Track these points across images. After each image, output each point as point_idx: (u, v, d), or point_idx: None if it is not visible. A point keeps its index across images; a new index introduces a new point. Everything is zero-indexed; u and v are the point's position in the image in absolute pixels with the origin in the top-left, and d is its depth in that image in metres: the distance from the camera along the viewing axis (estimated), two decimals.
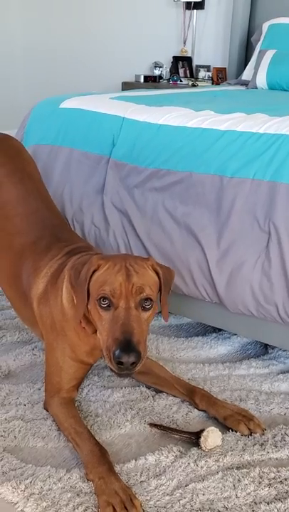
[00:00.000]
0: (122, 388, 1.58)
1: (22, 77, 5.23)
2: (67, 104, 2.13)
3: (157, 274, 1.30)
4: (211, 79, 4.45)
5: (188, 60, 4.66)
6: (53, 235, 1.58)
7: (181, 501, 1.18)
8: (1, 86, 5.07)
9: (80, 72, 5.15)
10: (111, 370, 1.21)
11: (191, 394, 1.48)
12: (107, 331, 1.21)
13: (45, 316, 1.47)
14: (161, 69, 4.75)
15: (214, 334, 1.92)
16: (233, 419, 1.39)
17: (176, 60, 4.68)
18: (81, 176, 1.96)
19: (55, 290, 1.43)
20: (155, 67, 4.78)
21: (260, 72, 3.23)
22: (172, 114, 1.84)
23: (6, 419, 1.44)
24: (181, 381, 1.54)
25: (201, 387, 1.53)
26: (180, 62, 4.69)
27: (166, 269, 1.35)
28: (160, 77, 4.74)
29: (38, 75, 5.22)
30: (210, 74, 4.50)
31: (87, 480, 1.22)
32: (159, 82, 4.66)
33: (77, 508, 1.15)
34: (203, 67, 4.60)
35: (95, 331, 1.33)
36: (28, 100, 2.36)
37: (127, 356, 1.14)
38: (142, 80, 4.63)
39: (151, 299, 1.24)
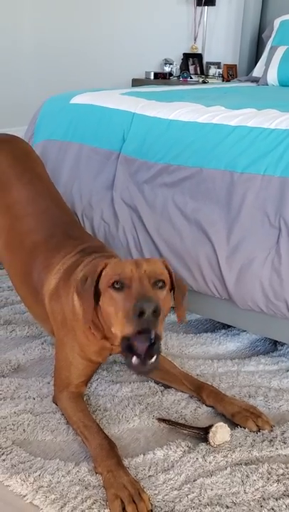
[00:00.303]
0: (130, 383, 1.58)
1: (32, 74, 5.25)
2: (77, 99, 2.14)
3: (168, 270, 1.31)
4: (222, 76, 4.43)
5: (198, 57, 4.64)
6: (64, 232, 1.59)
7: (189, 496, 1.18)
8: (12, 83, 5.09)
9: (90, 69, 5.16)
10: (128, 365, 1.19)
11: (199, 390, 1.48)
12: (122, 306, 1.17)
13: (56, 312, 1.48)
14: (171, 66, 4.74)
15: (223, 330, 1.91)
16: (241, 416, 1.39)
17: (187, 56, 4.67)
18: (91, 172, 1.97)
19: (67, 287, 1.44)
20: (165, 64, 4.78)
21: (271, 68, 3.21)
22: (183, 110, 1.84)
23: (15, 412, 1.44)
24: (189, 377, 1.54)
25: (210, 383, 1.53)
26: (190, 59, 4.68)
27: (178, 276, 1.35)
28: (170, 74, 4.73)
29: (48, 73, 5.23)
30: (220, 71, 4.49)
31: (96, 473, 1.23)
32: (169, 79, 4.65)
33: (86, 501, 1.15)
34: (213, 64, 4.59)
35: (104, 337, 1.34)
36: (38, 97, 2.37)
37: (147, 302, 1.10)
38: (152, 77, 4.62)
39: (164, 281, 1.23)
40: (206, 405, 1.47)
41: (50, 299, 1.49)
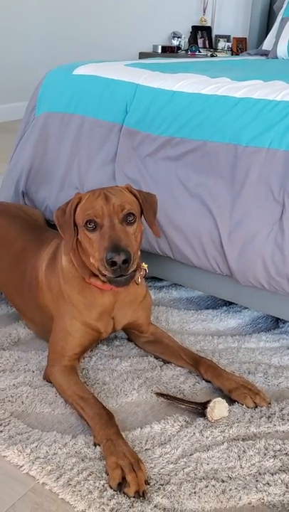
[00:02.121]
0: (130, 358, 1.57)
1: (39, 48, 5.16)
2: (80, 70, 2.09)
3: (135, 196, 1.38)
4: (231, 49, 4.34)
5: (207, 30, 4.54)
6: (41, 230, 1.76)
7: (185, 470, 1.18)
8: (18, 58, 5.01)
9: (96, 43, 5.06)
10: (109, 281, 1.30)
11: (197, 364, 1.47)
12: (97, 247, 1.28)
13: (52, 286, 1.50)
14: (179, 39, 4.64)
15: (224, 307, 1.90)
16: (238, 392, 1.38)
17: (196, 29, 4.56)
18: (93, 144, 1.93)
19: (55, 261, 1.51)
20: (173, 37, 4.67)
21: (281, 41, 3.12)
22: (187, 81, 1.79)
23: (14, 384, 1.45)
24: (188, 351, 1.53)
25: (209, 359, 1.52)
26: (199, 32, 4.57)
27: (146, 193, 1.44)
28: (178, 47, 4.63)
29: (55, 47, 5.15)
30: (230, 44, 4.38)
31: (94, 444, 1.23)
32: (177, 52, 4.56)
33: (82, 472, 1.16)
34: (222, 37, 4.48)
35: (93, 274, 1.38)
36: (44, 69, 2.32)
37: (117, 255, 1.22)
38: (159, 51, 4.53)
39: (133, 214, 1.32)
40: (205, 380, 1.46)
41: (45, 280, 1.53)
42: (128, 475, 1.11)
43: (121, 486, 1.11)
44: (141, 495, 1.09)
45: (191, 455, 1.22)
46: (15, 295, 1.70)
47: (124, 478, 1.11)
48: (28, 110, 2.21)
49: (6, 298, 1.83)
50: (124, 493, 1.10)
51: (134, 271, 1.31)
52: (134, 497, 1.09)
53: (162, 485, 1.14)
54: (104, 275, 1.29)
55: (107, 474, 1.14)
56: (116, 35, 4.97)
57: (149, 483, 1.13)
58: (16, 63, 4.99)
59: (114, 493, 1.11)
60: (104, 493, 1.11)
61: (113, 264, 1.22)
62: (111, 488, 1.12)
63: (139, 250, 1.38)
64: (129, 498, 1.09)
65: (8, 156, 2.30)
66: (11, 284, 1.70)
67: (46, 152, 2.09)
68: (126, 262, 1.23)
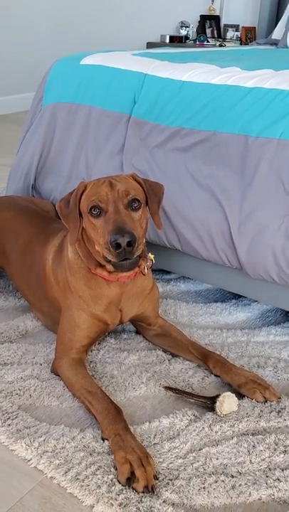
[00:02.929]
0: (138, 351, 1.56)
1: (46, 36, 5.11)
2: (88, 60, 2.06)
3: (140, 184, 1.38)
4: (240, 39, 4.28)
5: (216, 19, 4.48)
6: (47, 222, 1.74)
7: (194, 464, 1.17)
8: (26, 47, 4.97)
9: (103, 33, 5.02)
10: (113, 266, 1.30)
11: (206, 358, 1.46)
12: (102, 233, 1.27)
13: (59, 278, 1.50)
14: (187, 29, 4.59)
15: (234, 300, 1.88)
16: (248, 387, 1.36)
17: (204, 19, 4.50)
18: (100, 135, 1.91)
19: (61, 253, 1.50)
20: (181, 27, 4.62)
21: None
22: (196, 71, 1.76)
23: (22, 377, 1.44)
24: (196, 345, 1.51)
25: (218, 353, 1.51)
26: (207, 21, 4.52)
27: (152, 182, 1.44)
28: (186, 37, 4.58)
29: (63, 37, 5.10)
30: (238, 34, 4.33)
31: (102, 438, 1.22)
32: (185, 42, 4.51)
33: (90, 467, 1.15)
34: (231, 26, 4.43)
35: (99, 265, 1.38)
36: (50, 60, 2.29)
37: (121, 237, 1.21)
38: (167, 40, 4.49)
39: (138, 200, 1.31)
40: (214, 375, 1.45)
41: (52, 272, 1.52)
42: (137, 470, 1.10)
43: (130, 481, 1.10)
44: (150, 490, 1.09)
45: (200, 450, 1.21)
46: (24, 287, 1.70)
47: (132, 473, 1.11)
48: (35, 101, 2.18)
49: (16, 289, 1.82)
50: (133, 488, 1.09)
51: (140, 257, 1.31)
52: (142, 492, 1.08)
53: (171, 480, 1.13)
54: (109, 261, 1.29)
55: (116, 469, 1.13)
56: (123, 25, 4.92)
57: (157, 478, 1.13)
58: (23, 54, 4.95)
59: (123, 487, 1.10)
60: (113, 487, 1.10)
61: (118, 246, 1.22)
62: (119, 483, 1.11)
63: (145, 239, 1.36)
64: (138, 493, 1.08)
65: (16, 148, 2.29)
66: (20, 276, 1.69)
67: (53, 143, 2.07)
68: (130, 244, 1.22)
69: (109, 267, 1.34)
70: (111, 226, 1.24)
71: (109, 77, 1.92)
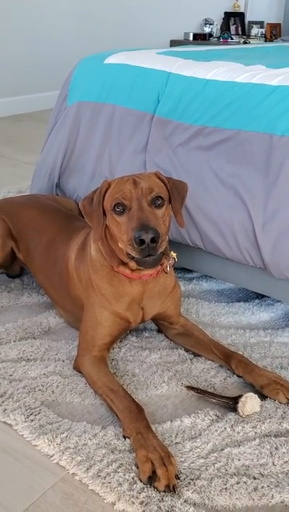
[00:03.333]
0: (159, 350, 1.56)
1: (69, 34, 5.15)
2: (112, 59, 2.06)
3: (163, 182, 1.38)
4: (264, 36, 4.24)
5: (240, 16, 4.44)
6: (70, 220, 1.75)
7: (215, 465, 1.16)
8: (49, 44, 5.01)
9: (127, 30, 5.02)
10: (137, 262, 1.30)
11: (228, 359, 1.45)
12: (125, 230, 1.28)
13: (82, 275, 1.51)
14: (211, 26, 4.56)
15: (257, 300, 1.86)
16: (271, 388, 1.35)
17: (228, 16, 4.47)
18: (124, 134, 1.91)
19: (84, 251, 1.51)
20: (205, 24, 4.60)
21: None
22: (221, 69, 1.75)
23: (44, 373, 1.45)
24: (219, 345, 1.51)
25: (240, 353, 1.50)
26: (232, 18, 4.49)
27: (175, 180, 1.44)
28: (210, 34, 4.55)
29: (85, 35, 5.12)
30: (263, 31, 4.29)
31: (124, 437, 1.22)
32: (208, 39, 4.48)
33: (111, 464, 1.15)
34: (256, 23, 4.38)
35: (122, 263, 1.38)
36: (75, 58, 2.31)
37: (145, 233, 1.21)
38: (190, 38, 4.47)
39: (161, 198, 1.32)
40: (236, 375, 1.44)
41: (75, 270, 1.54)
42: (158, 469, 1.10)
43: (151, 480, 1.10)
44: (171, 489, 1.08)
45: (221, 450, 1.20)
46: (47, 284, 1.71)
47: (154, 472, 1.11)
48: (59, 100, 2.20)
49: (40, 286, 1.84)
50: (155, 487, 1.09)
51: (162, 254, 1.31)
52: (164, 491, 1.08)
53: (192, 480, 1.12)
54: (133, 258, 1.29)
55: (137, 467, 1.14)
56: (147, 23, 4.91)
57: (179, 478, 1.12)
58: (47, 52, 4.99)
59: (144, 486, 1.10)
60: (134, 485, 1.10)
61: (141, 242, 1.22)
62: (141, 481, 1.11)
63: (168, 237, 1.36)
64: (159, 492, 1.09)
65: (40, 147, 2.31)
66: (44, 274, 1.71)
67: (77, 142, 2.08)
68: (154, 240, 1.22)
69: (132, 264, 1.34)
70: (135, 223, 1.24)
71: (133, 76, 1.92)
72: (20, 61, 4.84)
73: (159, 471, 1.10)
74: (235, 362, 1.43)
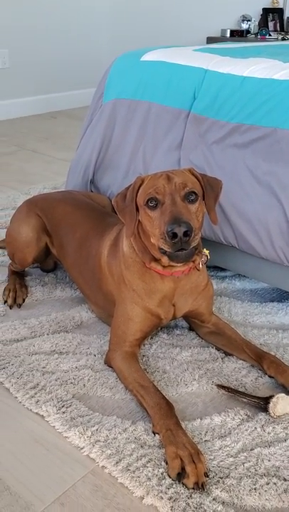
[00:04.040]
0: (190, 348, 1.56)
1: (105, 32, 5.18)
2: (148, 56, 2.07)
3: (197, 178, 1.38)
4: None
5: (279, 12, 4.37)
6: (103, 217, 1.76)
7: (245, 464, 1.15)
8: (85, 41, 5.06)
9: (163, 27, 5.01)
10: (169, 257, 1.30)
11: (260, 359, 1.44)
12: (158, 224, 1.28)
13: (113, 271, 1.52)
14: (249, 22, 4.51)
15: None
16: None
17: (266, 12, 4.40)
18: (159, 131, 1.91)
19: (117, 247, 1.52)
20: (243, 20, 4.54)
21: None
22: (258, 66, 1.73)
23: (76, 367, 1.47)
24: (251, 345, 1.49)
25: (273, 354, 1.48)
26: (270, 14, 4.42)
27: (209, 177, 1.44)
28: (248, 31, 4.50)
29: (122, 32, 5.14)
30: None
31: (153, 432, 1.23)
32: (246, 36, 4.43)
33: (141, 459, 1.16)
34: None
35: (154, 259, 1.39)
36: (111, 56, 2.32)
37: (178, 226, 1.21)
38: (228, 35, 4.43)
39: (195, 193, 1.32)
40: (268, 376, 1.42)
41: (108, 265, 1.55)
42: (187, 466, 1.10)
43: (180, 477, 1.10)
44: (200, 487, 1.08)
45: (251, 450, 1.19)
46: (80, 279, 1.74)
47: (183, 469, 1.11)
48: (95, 97, 2.22)
49: (73, 281, 1.87)
50: (183, 484, 1.10)
51: (195, 249, 1.31)
52: (192, 488, 1.09)
53: (221, 478, 1.12)
54: (165, 252, 1.29)
55: (166, 463, 1.14)
56: (183, 20, 4.89)
57: (208, 476, 1.12)
58: (83, 50, 5.04)
59: (173, 482, 1.10)
60: (163, 481, 1.11)
61: (174, 236, 1.22)
62: (170, 477, 1.11)
63: (201, 234, 1.36)
64: (188, 489, 1.09)
65: (76, 144, 2.33)
66: (77, 269, 1.73)
67: (112, 139, 2.10)
68: (187, 234, 1.22)
69: (165, 259, 1.34)
70: (168, 217, 1.25)
71: (169, 73, 1.92)
72: (56, 59, 4.90)
73: (188, 468, 1.10)
74: (267, 362, 1.42)
